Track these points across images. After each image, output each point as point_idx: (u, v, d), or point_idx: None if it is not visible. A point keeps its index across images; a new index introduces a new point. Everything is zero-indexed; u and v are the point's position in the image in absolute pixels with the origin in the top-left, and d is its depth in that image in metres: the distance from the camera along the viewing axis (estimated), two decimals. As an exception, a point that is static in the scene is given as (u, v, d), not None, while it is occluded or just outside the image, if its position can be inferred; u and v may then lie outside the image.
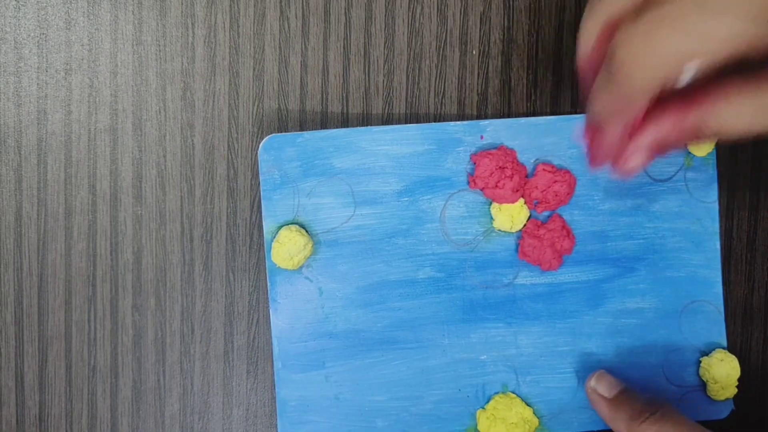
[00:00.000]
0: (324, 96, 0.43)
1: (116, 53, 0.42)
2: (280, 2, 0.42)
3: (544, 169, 0.42)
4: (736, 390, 0.42)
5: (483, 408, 0.42)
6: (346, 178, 0.42)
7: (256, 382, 0.43)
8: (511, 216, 0.42)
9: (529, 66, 0.43)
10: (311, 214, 0.42)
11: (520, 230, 0.42)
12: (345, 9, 0.42)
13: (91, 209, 0.43)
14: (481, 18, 0.43)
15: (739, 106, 0.30)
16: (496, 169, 0.41)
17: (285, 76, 0.43)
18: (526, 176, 0.42)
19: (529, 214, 0.42)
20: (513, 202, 0.42)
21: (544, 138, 0.42)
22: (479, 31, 0.43)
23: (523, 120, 0.42)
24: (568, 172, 0.42)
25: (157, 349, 0.43)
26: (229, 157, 0.43)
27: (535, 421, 0.42)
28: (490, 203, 0.42)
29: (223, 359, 0.43)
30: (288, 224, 0.41)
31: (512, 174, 0.41)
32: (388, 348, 0.42)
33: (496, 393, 0.43)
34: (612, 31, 0.30)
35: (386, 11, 0.43)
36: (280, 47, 0.42)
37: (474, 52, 0.43)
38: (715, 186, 0.43)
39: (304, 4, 0.42)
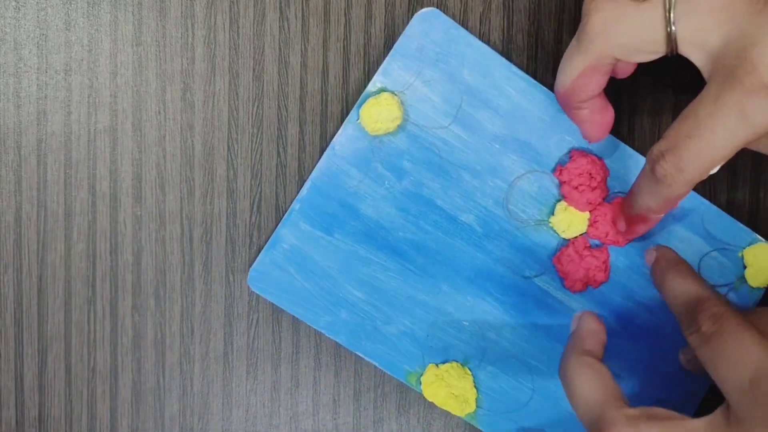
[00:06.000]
0: (324, 97, 0.43)
1: (116, 54, 0.42)
2: (280, 3, 0.42)
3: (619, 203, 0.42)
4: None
5: (436, 365, 0.42)
6: (465, 92, 0.41)
7: (255, 383, 0.43)
8: (571, 222, 0.42)
9: (528, 66, 0.43)
10: (415, 100, 0.41)
11: (569, 239, 0.42)
12: (344, 10, 0.42)
13: (90, 210, 0.43)
14: (480, 18, 0.43)
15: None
16: (586, 173, 0.41)
17: (285, 76, 0.43)
18: (605, 199, 0.42)
19: (585, 231, 0.42)
20: (582, 210, 0.41)
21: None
22: (479, 31, 0.43)
23: (632, 151, 0.42)
24: None
25: (156, 350, 0.43)
26: (229, 158, 0.43)
27: (473, 406, 0.42)
28: (560, 199, 0.42)
29: (223, 360, 0.43)
30: (393, 93, 0.41)
31: (596, 187, 0.41)
32: (395, 258, 0.42)
33: (456, 360, 0.42)
34: (593, 72, 0.37)
35: (386, 12, 0.43)
36: (279, 48, 0.42)
37: (474, 53, 0.43)
38: None
39: (304, 4, 0.42)
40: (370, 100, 0.41)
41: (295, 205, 0.42)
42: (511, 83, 0.42)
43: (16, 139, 0.42)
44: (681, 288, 0.37)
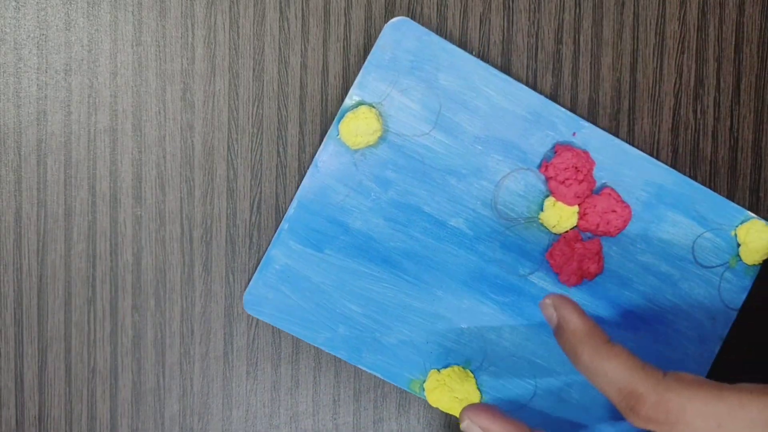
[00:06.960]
0: (324, 97, 0.43)
1: (116, 54, 0.42)
2: (280, 3, 0.42)
3: (609, 194, 0.42)
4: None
5: (438, 370, 0.42)
6: (442, 96, 0.41)
7: (255, 383, 0.43)
8: (560, 217, 0.42)
9: (528, 66, 0.43)
10: (394, 110, 0.41)
11: (560, 234, 0.42)
12: (345, 9, 0.42)
13: (90, 210, 0.43)
14: (480, 18, 0.43)
15: None
16: (572, 166, 0.41)
17: (285, 76, 0.43)
18: (592, 191, 0.42)
19: (575, 224, 0.42)
20: (570, 204, 0.42)
21: (626, 168, 0.42)
22: (479, 31, 0.43)
23: (617, 140, 0.42)
24: (629, 209, 0.42)
25: (156, 350, 0.43)
26: (229, 158, 0.43)
27: None
28: (548, 195, 0.42)
29: (223, 360, 0.43)
30: (371, 105, 0.41)
31: (582, 180, 0.41)
32: (387, 269, 0.42)
33: (457, 364, 0.43)
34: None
35: (386, 12, 0.43)
36: (279, 48, 0.42)
37: (474, 53, 0.43)
38: (744, 297, 0.43)
39: (304, 4, 0.42)
40: (348, 115, 0.41)
41: (284, 225, 0.42)
42: (489, 84, 0.42)
43: (16, 139, 0.42)
44: (609, 375, 0.35)
